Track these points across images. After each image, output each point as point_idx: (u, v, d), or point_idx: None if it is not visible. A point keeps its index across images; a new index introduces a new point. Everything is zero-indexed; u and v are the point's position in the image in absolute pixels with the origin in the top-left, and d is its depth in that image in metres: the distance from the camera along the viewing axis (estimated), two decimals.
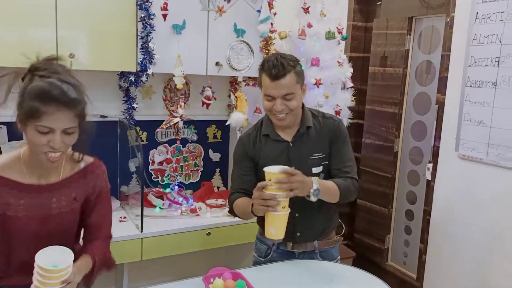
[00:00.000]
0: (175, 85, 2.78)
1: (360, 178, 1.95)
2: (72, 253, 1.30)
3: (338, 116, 2.02)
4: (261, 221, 1.98)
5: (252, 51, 2.70)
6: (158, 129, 2.83)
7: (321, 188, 1.68)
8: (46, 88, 1.29)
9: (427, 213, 2.83)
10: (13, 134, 2.40)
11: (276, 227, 1.64)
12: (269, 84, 1.74)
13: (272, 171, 1.60)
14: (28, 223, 1.42)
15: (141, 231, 2.36)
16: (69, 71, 1.39)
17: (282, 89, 1.73)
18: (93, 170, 1.54)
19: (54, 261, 1.26)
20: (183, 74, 2.45)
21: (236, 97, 2.75)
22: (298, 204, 1.83)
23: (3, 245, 1.43)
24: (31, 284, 1.26)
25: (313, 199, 1.68)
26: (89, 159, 1.54)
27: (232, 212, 1.95)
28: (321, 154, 1.86)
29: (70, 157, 1.49)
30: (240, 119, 2.66)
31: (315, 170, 1.85)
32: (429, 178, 2.79)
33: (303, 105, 1.90)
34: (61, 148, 1.33)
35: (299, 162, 1.83)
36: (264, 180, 1.66)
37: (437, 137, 2.72)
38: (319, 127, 1.88)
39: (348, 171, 1.87)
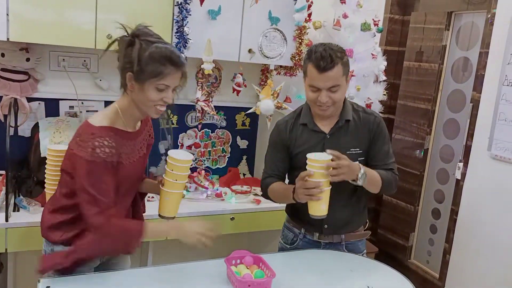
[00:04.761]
0: None
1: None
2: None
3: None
4: (289, 209, 2.00)
5: (285, 39, 2.69)
6: (185, 103, 2.87)
7: (367, 173, 1.71)
8: (168, 53, 1.48)
9: (454, 212, 2.78)
10: (50, 110, 2.48)
11: (321, 204, 1.65)
12: (316, 75, 1.71)
13: (318, 158, 1.61)
14: (131, 169, 1.58)
15: None
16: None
17: (328, 81, 1.70)
18: (148, 119, 1.72)
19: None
20: (211, 61, 2.46)
21: (265, 84, 2.77)
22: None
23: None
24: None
25: (360, 183, 1.70)
26: None
27: (265, 196, 1.96)
28: (358, 149, 1.84)
29: None
30: (269, 106, 2.67)
31: None
32: (459, 178, 2.73)
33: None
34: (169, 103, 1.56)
35: None
36: (299, 164, 1.72)
37: (470, 136, 2.66)
38: (359, 121, 1.86)
39: (391, 167, 1.88)
